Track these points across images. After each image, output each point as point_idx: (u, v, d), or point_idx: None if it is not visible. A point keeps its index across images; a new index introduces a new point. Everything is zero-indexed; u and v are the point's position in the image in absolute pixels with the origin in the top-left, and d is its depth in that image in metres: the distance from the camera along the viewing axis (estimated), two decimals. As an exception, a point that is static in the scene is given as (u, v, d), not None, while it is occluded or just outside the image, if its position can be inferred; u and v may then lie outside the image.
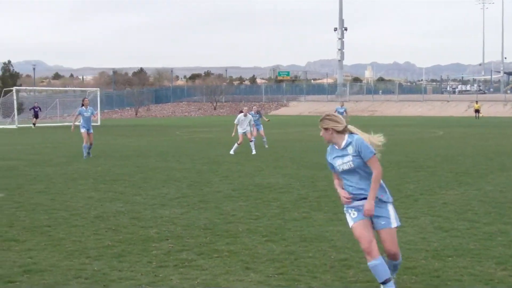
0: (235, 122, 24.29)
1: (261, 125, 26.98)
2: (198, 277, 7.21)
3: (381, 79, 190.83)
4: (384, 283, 6.29)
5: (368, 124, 52.49)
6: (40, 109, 55.77)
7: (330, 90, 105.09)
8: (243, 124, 24.08)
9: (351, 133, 6.49)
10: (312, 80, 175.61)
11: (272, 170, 17.85)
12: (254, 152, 23.08)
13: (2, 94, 56.76)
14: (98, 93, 60.48)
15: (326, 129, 6.45)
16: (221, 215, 10.98)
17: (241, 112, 24.66)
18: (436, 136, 34.47)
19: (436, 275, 7.22)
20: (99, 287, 6.87)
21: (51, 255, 8.21)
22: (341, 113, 33.82)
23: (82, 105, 23.02)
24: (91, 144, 22.47)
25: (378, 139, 6.63)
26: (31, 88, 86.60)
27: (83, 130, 22.24)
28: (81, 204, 12.14)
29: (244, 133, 24.02)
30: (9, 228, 9.94)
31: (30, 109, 55.83)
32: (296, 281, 7.04)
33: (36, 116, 53.30)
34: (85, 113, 22.60)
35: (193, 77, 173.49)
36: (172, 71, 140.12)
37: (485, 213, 11.00)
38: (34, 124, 51.71)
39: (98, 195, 13.28)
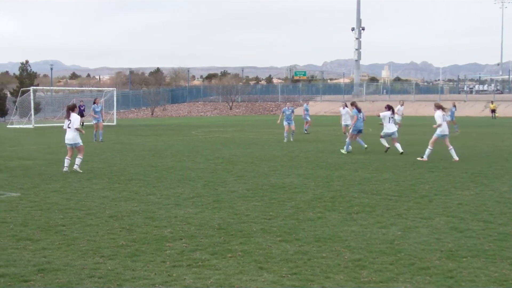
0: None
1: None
2: (212, 276, 7.21)
3: (398, 79, 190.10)
4: None
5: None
6: (85, 108, 50.94)
7: (347, 90, 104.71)
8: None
9: None
10: (328, 80, 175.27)
11: (287, 170, 17.83)
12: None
13: (19, 94, 57.09)
14: (115, 92, 60.58)
15: None
16: (235, 215, 10.99)
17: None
18: (452, 137, 34.14)
19: (450, 275, 7.18)
20: (113, 286, 6.90)
21: (65, 254, 8.26)
22: (289, 114, 33.05)
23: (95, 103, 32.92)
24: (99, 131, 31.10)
25: None
26: (48, 88, 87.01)
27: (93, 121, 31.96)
28: (96, 204, 12.20)
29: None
30: (24, 227, 10.01)
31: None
32: (310, 281, 7.03)
33: (81, 115, 47.09)
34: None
35: (210, 77, 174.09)
36: (188, 71, 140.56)
37: (500, 213, 10.94)
38: (82, 123, 47.68)
39: (113, 195, 13.34)
